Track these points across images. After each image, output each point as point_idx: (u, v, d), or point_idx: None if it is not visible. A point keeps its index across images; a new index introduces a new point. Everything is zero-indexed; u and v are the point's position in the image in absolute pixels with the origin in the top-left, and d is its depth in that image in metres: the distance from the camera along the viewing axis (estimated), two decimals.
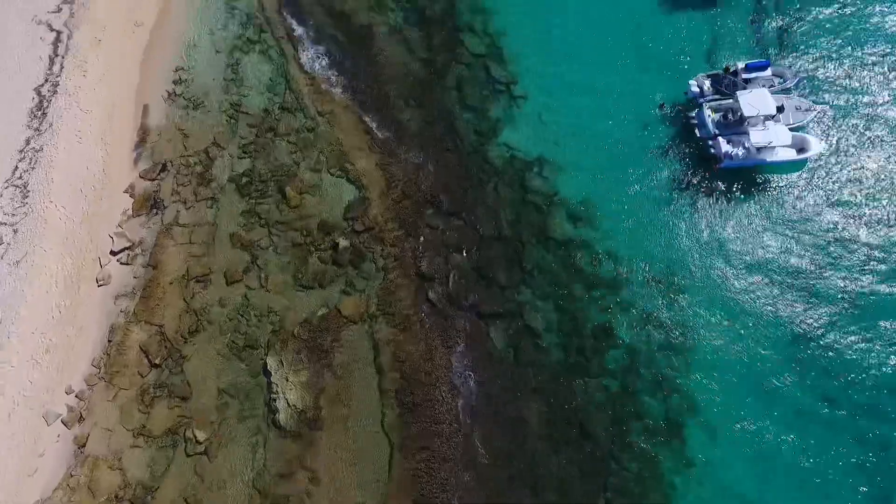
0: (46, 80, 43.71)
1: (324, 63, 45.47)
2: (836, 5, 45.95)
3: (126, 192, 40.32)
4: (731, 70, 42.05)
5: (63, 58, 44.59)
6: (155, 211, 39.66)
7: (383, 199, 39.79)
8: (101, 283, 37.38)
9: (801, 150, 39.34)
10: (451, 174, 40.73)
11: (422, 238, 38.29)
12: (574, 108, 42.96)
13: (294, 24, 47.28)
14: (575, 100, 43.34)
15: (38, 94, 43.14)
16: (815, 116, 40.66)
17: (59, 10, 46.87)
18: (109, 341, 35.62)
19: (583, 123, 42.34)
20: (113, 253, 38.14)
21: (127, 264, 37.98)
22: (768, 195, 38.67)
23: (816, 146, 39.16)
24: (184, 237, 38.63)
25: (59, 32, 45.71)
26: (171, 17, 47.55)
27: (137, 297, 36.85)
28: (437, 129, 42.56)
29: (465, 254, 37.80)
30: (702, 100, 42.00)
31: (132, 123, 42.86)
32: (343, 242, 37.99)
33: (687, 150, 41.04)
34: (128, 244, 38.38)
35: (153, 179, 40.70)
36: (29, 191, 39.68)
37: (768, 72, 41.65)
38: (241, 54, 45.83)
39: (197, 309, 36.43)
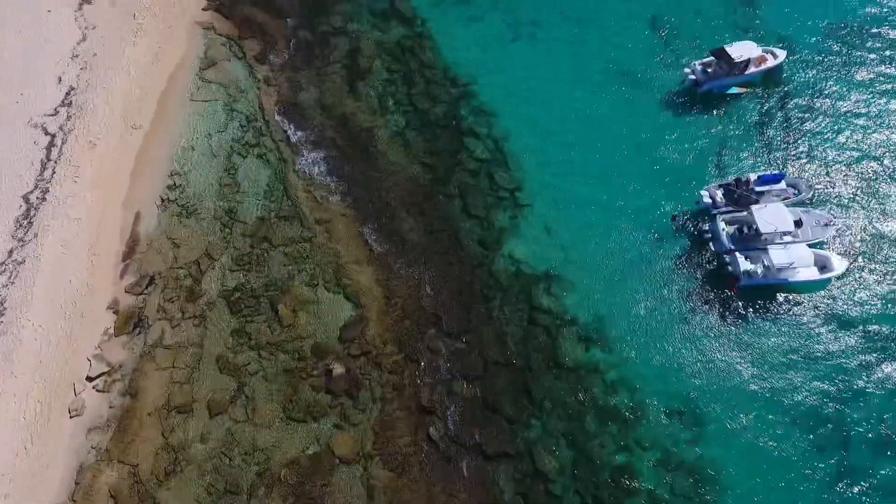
0: (36, 187, 42.32)
1: (323, 168, 44.27)
2: (847, 114, 45.33)
3: (109, 308, 38.00)
4: (743, 181, 40.74)
5: (56, 163, 43.44)
6: (138, 330, 37.19)
7: (382, 318, 37.42)
8: (73, 413, 34.43)
9: (823, 268, 37.30)
10: (454, 290, 38.52)
11: (422, 364, 35.62)
12: (582, 217, 41.35)
13: (293, 128, 46.48)
14: (583, 208, 41.82)
15: (27, 201, 41.64)
16: (836, 231, 38.91)
17: (56, 112, 46.20)
18: (77, 483, 32.28)
19: (592, 235, 40.57)
20: (89, 379, 35.38)
21: (104, 391, 35.13)
22: (792, 319, 36.28)
23: (839, 265, 37.12)
24: (167, 360, 35.98)
25: (53, 136, 44.80)
26: (169, 119, 46.84)
27: (112, 431, 33.79)
28: (439, 240, 40.75)
29: (469, 382, 35.01)
30: (715, 211, 40.44)
31: (122, 232, 41.08)
32: (338, 369, 35.30)
33: (703, 265, 39.05)
34: (106, 369, 35.68)
35: (139, 294, 38.49)
36: (6, 308, 37.38)
37: (782, 183, 40.29)
38: (238, 158, 44.76)
39: (175, 445, 33.29)
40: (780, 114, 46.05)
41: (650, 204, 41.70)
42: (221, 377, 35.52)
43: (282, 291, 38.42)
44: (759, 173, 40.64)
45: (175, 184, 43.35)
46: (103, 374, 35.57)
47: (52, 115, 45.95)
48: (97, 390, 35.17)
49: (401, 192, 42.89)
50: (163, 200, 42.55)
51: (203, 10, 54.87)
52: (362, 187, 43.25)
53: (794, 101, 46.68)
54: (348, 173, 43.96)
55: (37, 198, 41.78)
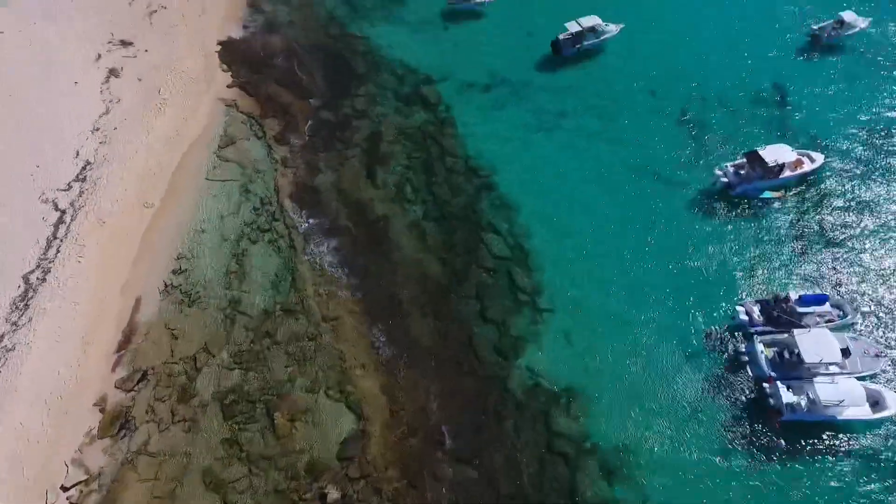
0: (38, 266, 40.89)
1: (334, 259, 42.39)
2: (892, 226, 42.68)
3: (96, 405, 35.48)
4: (782, 298, 37.87)
5: (62, 241, 42.20)
6: (123, 432, 34.49)
7: (385, 434, 34.32)
8: None
9: (876, 404, 33.69)
10: (465, 406, 35.45)
11: (427, 493, 32.16)
12: (606, 328, 38.46)
13: (307, 213, 45.05)
14: (607, 318, 38.99)
15: (26, 281, 40.10)
16: (888, 363, 35.47)
17: (70, 187, 45.45)
18: None
19: (617, 349, 37.56)
20: (64, 488, 32.45)
21: None
22: (841, 467, 32.33)
23: (895, 404, 33.47)
24: (150, 471, 33.02)
25: (63, 212, 43.82)
26: (183, 197, 45.79)
27: None
28: (452, 346, 38.03)
29: None
30: (752, 330, 37.41)
31: (119, 319, 39.09)
32: (333, 493, 32.01)
33: (739, 392, 35.58)
34: (84, 477, 32.80)
35: (129, 391, 36.04)
36: None
37: (826, 305, 37.28)
38: (248, 244, 43.14)
39: None
40: (819, 223, 43.55)
41: (680, 317, 38.79)
42: (207, 494, 32.37)
43: (280, 396, 35.70)
44: (801, 292, 37.76)
45: (181, 268, 41.66)
46: (80, 482, 32.66)
47: (64, 190, 45.18)
48: (70, 502, 32.16)
49: (414, 290, 40.62)
50: (166, 286, 40.74)
51: (228, 86, 55.18)
52: (374, 282, 41.13)
53: (834, 209, 44.28)
54: (360, 266, 41.98)
55: (37, 278, 40.26)
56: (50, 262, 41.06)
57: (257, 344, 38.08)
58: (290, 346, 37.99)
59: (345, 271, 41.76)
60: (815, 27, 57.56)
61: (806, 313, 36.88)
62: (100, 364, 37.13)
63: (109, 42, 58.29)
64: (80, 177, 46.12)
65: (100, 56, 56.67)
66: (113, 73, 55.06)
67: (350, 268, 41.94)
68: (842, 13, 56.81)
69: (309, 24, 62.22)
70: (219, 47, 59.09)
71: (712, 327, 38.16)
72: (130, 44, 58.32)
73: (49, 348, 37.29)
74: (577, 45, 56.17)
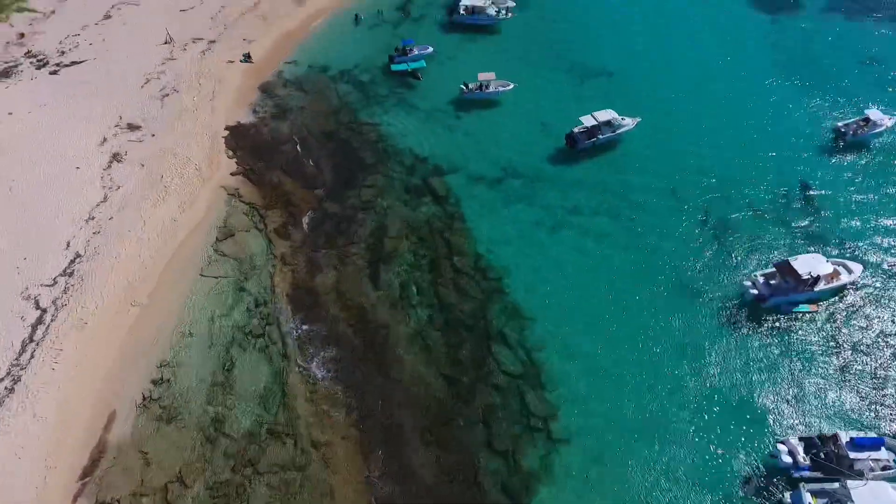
0: (8, 374, 37.68)
1: (330, 372, 38.86)
2: None
3: None
4: (829, 437, 33.61)
5: (38, 345, 39.15)
6: None
7: None
8: None
9: None
10: None
11: None
12: (628, 467, 34.21)
13: (304, 317, 41.92)
14: (629, 454, 34.81)
15: None
16: None
17: (55, 282, 42.91)
18: None
19: (641, 494, 33.10)
20: None
21: None
22: None
23: None
24: None
25: (44, 311, 41.03)
26: (173, 295, 42.97)
27: None
28: (455, 483, 33.76)
29: None
30: (797, 475, 32.92)
31: (88, 438, 35.36)
32: None
33: None
34: None
35: None
36: None
37: (882, 450, 32.90)
38: (238, 351, 39.85)
39: None
40: (862, 345, 39.78)
41: (712, 456, 34.42)
42: None
43: None
44: (852, 433, 33.58)
45: (162, 377, 38.27)
46: None
47: (49, 286, 42.61)
48: None
49: (415, 412, 36.78)
50: (144, 398, 37.24)
51: (232, 174, 53.67)
52: (372, 400, 37.39)
53: (879, 331, 40.56)
54: (358, 381, 38.36)
55: (5, 388, 36.95)
56: (22, 370, 37.87)
57: (238, 473, 34.04)
58: (274, 476, 33.90)
59: (341, 387, 38.13)
60: (840, 124, 55.83)
61: (858, 459, 32.48)
62: (60, 494, 33.09)
63: (117, 125, 57.56)
64: (68, 271, 43.66)
65: (105, 140, 55.74)
66: (116, 157, 53.86)
67: (346, 384, 38.31)
68: (867, 111, 55.28)
69: (320, 109, 61.39)
70: (226, 132, 58.11)
71: (751, 470, 33.68)
72: (138, 128, 57.53)
73: (5, 473, 33.46)
74: (593, 139, 54.52)
